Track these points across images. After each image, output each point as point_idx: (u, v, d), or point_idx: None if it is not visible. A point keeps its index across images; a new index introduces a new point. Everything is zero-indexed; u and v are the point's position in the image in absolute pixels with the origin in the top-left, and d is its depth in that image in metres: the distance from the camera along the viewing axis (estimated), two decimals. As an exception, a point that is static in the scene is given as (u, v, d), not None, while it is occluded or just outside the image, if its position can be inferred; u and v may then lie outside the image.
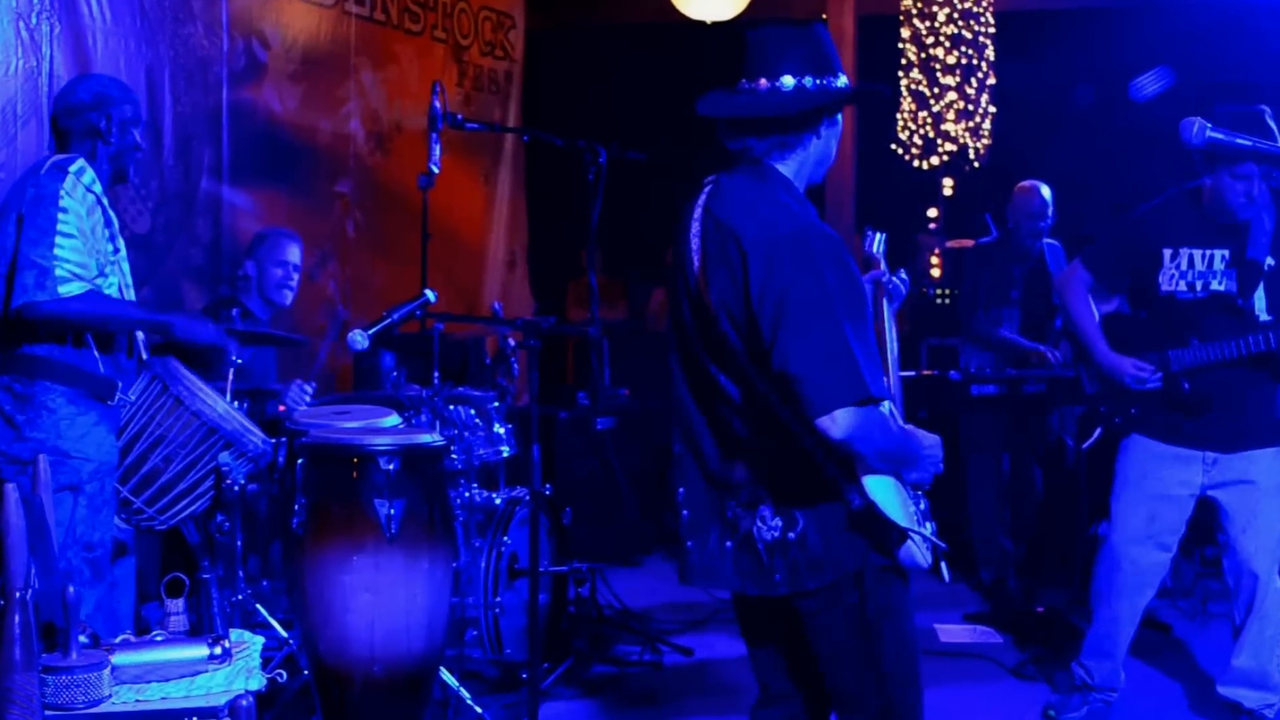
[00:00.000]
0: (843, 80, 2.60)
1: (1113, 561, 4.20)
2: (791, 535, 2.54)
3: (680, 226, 2.68)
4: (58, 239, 3.32)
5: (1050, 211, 5.94)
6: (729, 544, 2.63)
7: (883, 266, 2.89)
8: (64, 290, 3.31)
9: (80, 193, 3.40)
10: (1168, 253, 4.04)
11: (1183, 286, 4.04)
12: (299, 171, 6.41)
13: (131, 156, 3.62)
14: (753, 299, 2.45)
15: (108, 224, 3.49)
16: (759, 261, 2.45)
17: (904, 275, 2.93)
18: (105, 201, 3.50)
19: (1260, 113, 3.79)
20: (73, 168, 3.42)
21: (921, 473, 2.61)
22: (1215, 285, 4.00)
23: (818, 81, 2.55)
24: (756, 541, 2.57)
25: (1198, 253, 4.01)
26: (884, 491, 2.50)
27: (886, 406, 2.54)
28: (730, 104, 2.62)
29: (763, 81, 2.57)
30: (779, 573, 2.57)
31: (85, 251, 3.37)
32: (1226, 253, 3.99)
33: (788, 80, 2.54)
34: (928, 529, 2.61)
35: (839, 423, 2.37)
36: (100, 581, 3.50)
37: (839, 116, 2.65)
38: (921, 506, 2.65)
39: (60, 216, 3.34)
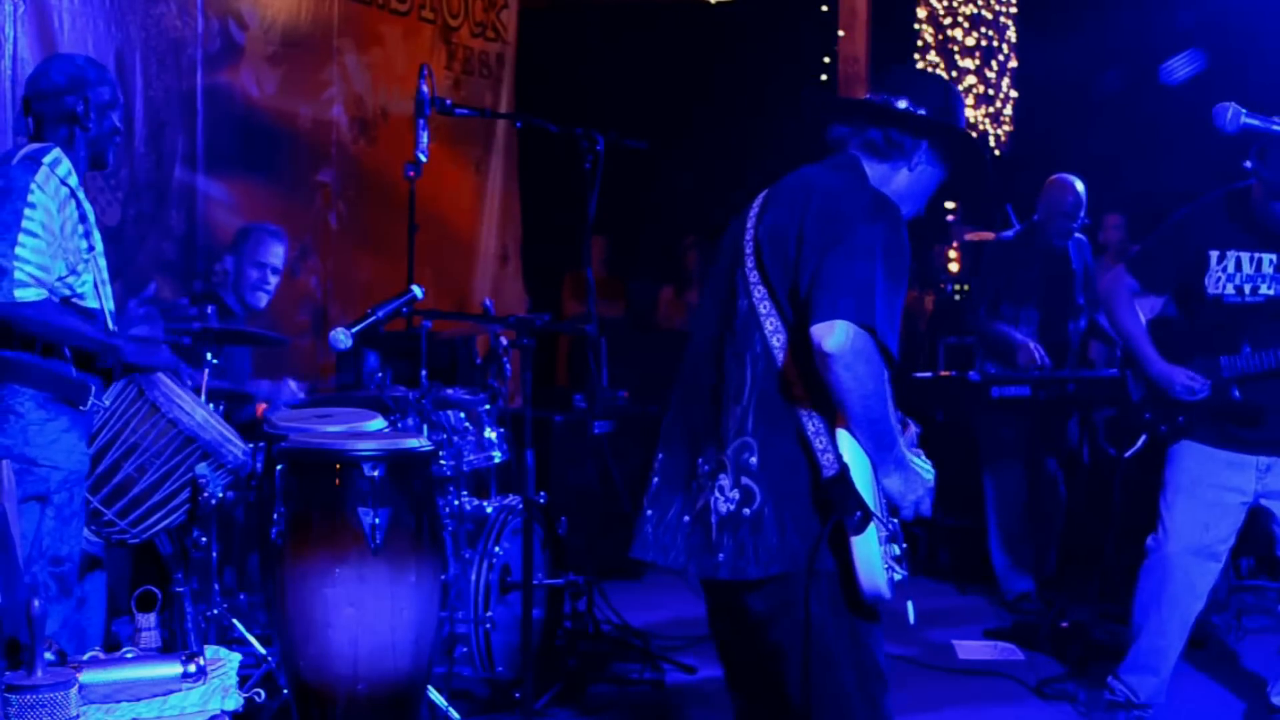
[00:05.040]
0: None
1: (1163, 572, 4.24)
2: (746, 511, 2.56)
3: (744, 207, 2.79)
4: (21, 237, 3.31)
5: (1083, 211, 5.94)
6: (686, 518, 2.67)
7: (911, 431, 2.89)
8: (20, 295, 3.30)
9: (53, 186, 3.39)
10: (1214, 255, 4.14)
11: (1230, 290, 4.14)
12: (278, 160, 6.41)
13: (111, 142, 3.62)
14: (807, 222, 2.59)
15: (82, 219, 3.48)
16: (823, 198, 2.62)
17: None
18: (80, 194, 3.50)
19: None
20: (47, 159, 3.41)
21: (904, 485, 2.58)
22: (1265, 289, 4.10)
23: (930, 117, 2.74)
24: (710, 514, 2.60)
25: (1245, 255, 4.12)
26: (859, 465, 2.50)
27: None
28: (840, 100, 2.81)
29: (881, 96, 2.79)
30: (723, 551, 2.57)
31: (49, 252, 3.36)
32: (1275, 256, 4.09)
33: (903, 102, 2.75)
34: (899, 573, 2.55)
35: (834, 333, 2.43)
36: (68, 598, 3.49)
37: (939, 166, 2.79)
38: (895, 551, 2.58)
39: (27, 213, 3.32)
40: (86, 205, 3.52)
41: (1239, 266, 4.12)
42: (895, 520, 2.63)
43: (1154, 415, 4.30)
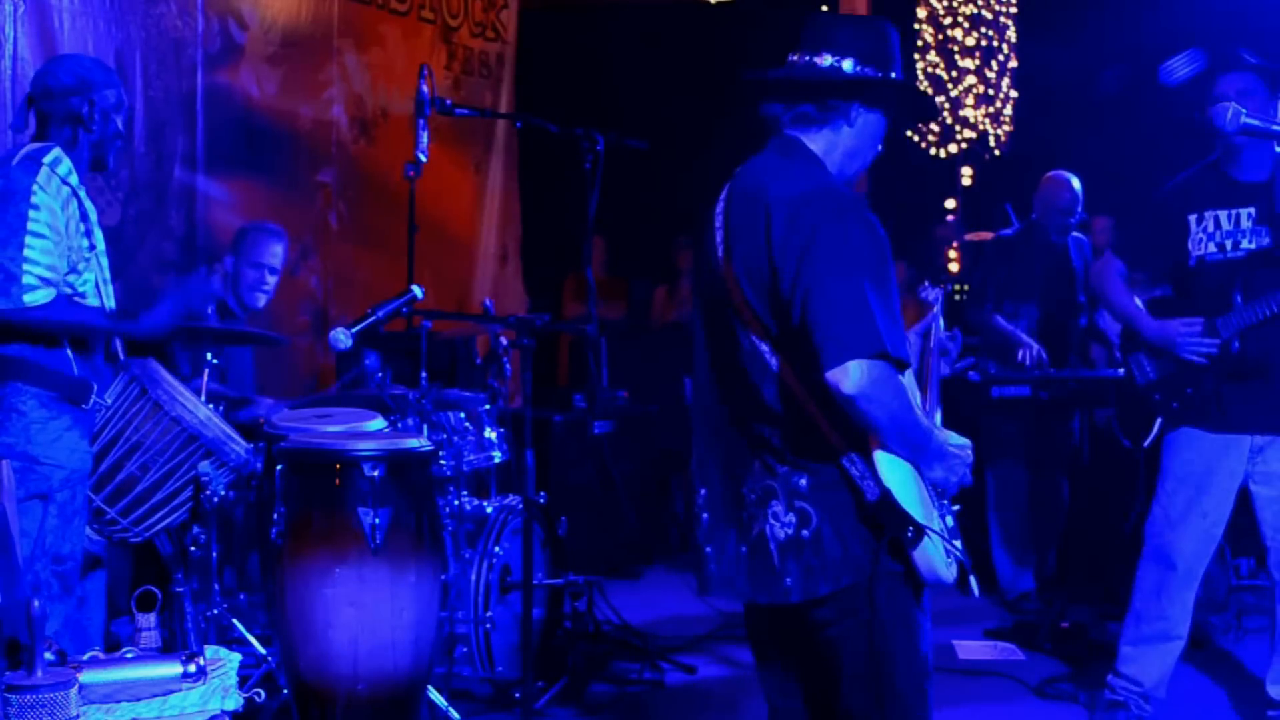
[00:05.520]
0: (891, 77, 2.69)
1: (1166, 562, 4.27)
2: (805, 533, 2.55)
3: (706, 216, 2.74)
4: (27, 239, 3.31)
5: (1080, 206, 5.96)
6: (743, 549, 2.65)
7: (936, 311, 2.91)
8: (29, 298, 3.31)
9: (55, 186, 3.39)
10: (1192, 218, 4.23)
11: (1212, 248, 4.21)
12: (278, 160, 6.41)
13: (113, 144, 3.61)
14: (775, 254, 2.52)
15: (84, 218, 3.48)
16: (782, 217, 2.53)
17: (958, 332, 2.96)
18: (82, 193, 3.50)
19: (1239, 55, 3.95)
20: (47, 159, 3.41)
21: (947, 471, 2.62)
22: (1247, 244, 4.17)
23: (860, 68, 2.64)
24: (769, 541, 2.58)
25: (1223, 213, 4.20)
26: (901, 478, 2.51)
27: (908, 379, 2.56)
28: (769, 72, 2.72)
29: (804, 56, 2.68)
30: (790, 576, 2.57)
31: (56, 252, 3.36)
32: (1253, 210, 4.17)
33: (826, 58, 2.65)
34: (956, 545, 2.60)
35: (850, 375, 2.39)
36: (69, 596, 3.50)
37: (880, 114, 2.70)
38: (949, 522, 2.64)
39: (31, 215, 3.32)
40: (88, 204, 3.52)
41: (1218, 224, 4.19)
42: (945, 501, 2.66)
43: (1163, 395, 4.32)
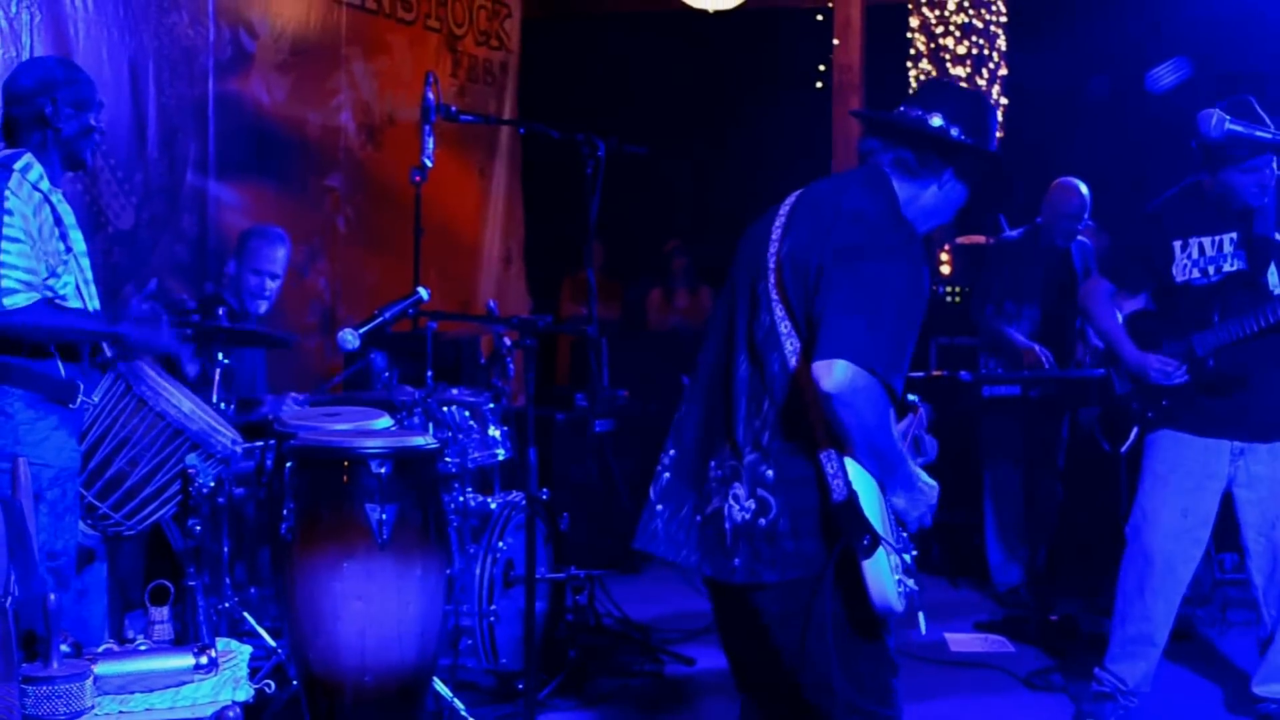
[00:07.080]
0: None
1: (1145, 560, 4.27)
2: (762, 522, 2.54)
3: (768, 212, 2.74)
4: (4, 245, 3.28)
5: (1088, 213, 5.95)
6: (698, 518, 2.66)
7: (922, 414, 2.91)
8: (9, 302, 3.27)
9: (26, 191, 3.35)
10: (1178, 245, 4.23)
11: (1196, 274, 4.22)
12: (288, 165, 6.41)
13: (87, 141, 3.55)
14: (826, 249, 2.52)
15: (58, 222, 3.43)
16: (846, 222, 2.55)
17: (936, 443, 2.96)
18: (55, 198, 3.46)
19: (1249, 101, 3.91)
20: (18, 165, 3.37)
21: (910, 502, 2.61)
22: (1227, 267, 4.18)
23: (964, 137, 2.68)
24: (724, 520, 2.58)
25: (1207, 240, 4.20)
26: (865, 493, 2.48)
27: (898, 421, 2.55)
28: (884, 113, 2.77)
29: (916, 110, 2.73)
30: (738, 557, 2.56)
31: (34, 255, 3.32)
32: (1235, 235, 4.18)
33: (937, 118, 2.70)
34: (910, 582, 2.56)
35: (833, 373, 2.37)
36: (65, 591, 3.46)
37: (966, 185, 2.74)
38: (907, 560, 2.60)
39: (6, 220, 3.28)
40: (62, 208, 3.48)
41: (1202, 251, 4.20)
42: (904, 533, 2.63)
43: (1140, 404, 4.34)
